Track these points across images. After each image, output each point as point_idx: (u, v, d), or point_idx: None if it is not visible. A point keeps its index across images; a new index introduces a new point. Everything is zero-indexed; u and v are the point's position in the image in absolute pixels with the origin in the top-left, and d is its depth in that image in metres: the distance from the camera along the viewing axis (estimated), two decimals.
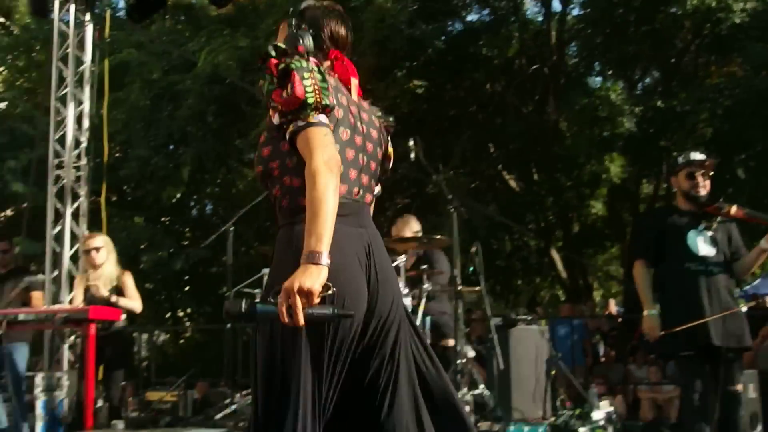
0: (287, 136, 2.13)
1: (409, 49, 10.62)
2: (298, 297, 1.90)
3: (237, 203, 12.48)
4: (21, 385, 6.30)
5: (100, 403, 6.11)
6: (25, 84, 14.02)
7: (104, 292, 5.73)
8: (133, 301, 5.77)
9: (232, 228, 6.19)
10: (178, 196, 11.94)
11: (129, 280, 5.86)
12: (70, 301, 8.07)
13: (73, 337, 8.95)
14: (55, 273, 8.98)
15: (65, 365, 8.78)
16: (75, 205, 9.03)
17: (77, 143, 9.05)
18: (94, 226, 9.19)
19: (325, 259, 1.95)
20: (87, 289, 5.88)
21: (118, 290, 5.81)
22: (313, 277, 1.92)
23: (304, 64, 2.14)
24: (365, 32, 10.39)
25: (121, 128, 11.66)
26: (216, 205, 14.93)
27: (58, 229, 9.03)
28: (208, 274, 14.14)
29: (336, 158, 2.08)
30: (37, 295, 6.33)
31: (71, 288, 8.97)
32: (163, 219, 14.16)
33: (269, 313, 1.92)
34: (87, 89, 9.04)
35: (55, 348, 9.04)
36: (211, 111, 11.51)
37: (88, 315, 5.22)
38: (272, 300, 1.92)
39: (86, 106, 9.10)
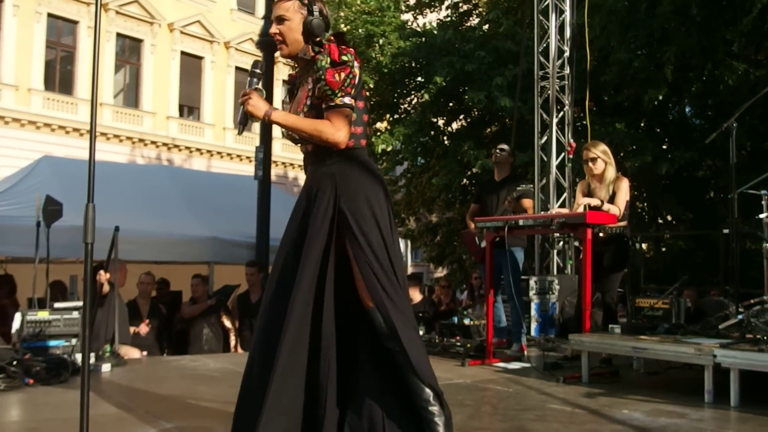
0: (324, 106, 2.76)
1: None
2: (246, 98, 2.80)
3: (726, 100, 11.54)
4: (519, 287, 6.69)
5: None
6: (505, 2, 14.59)
7: (604, 198, 5.76)
8: (614, 207, 5.67)
9: (735, 124, 5.64)
10: (660, 98, 11.40)
11: (623, 186, 5.78)
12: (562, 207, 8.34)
13: (561, 243, 9.29)
14: (543, 182, 9.35)
15: (555, 270, 9.20)
16: (560, 114, 9.23)
17: (560, 53, 9.18)
18: (577, 135, 9.30)
19: (271, 116, 2.78)
20: (588, 196, 5.93)
21: (613, 196, 5.77)
22: (259, 103, 2.79)
23: (356, 66, 2.79)
24: None
25: (599, 33, 11.49)
26: (697, 106, 14.02)
27: (544, 139, 9.35)
28: (694, 178, 13.45)
29: (345, 138, 2.77)
30: (528, 203, 6.61)
31: (558, 196, 9.27)
32: (641, 124, 13.77)
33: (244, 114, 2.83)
34: None
35: (545, 253, 9.50)
36: (694, 3, 10.66)
37: (585, 219, 5.27)
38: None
39: (567, 15, 9.13)
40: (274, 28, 2.90)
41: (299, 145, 2.94)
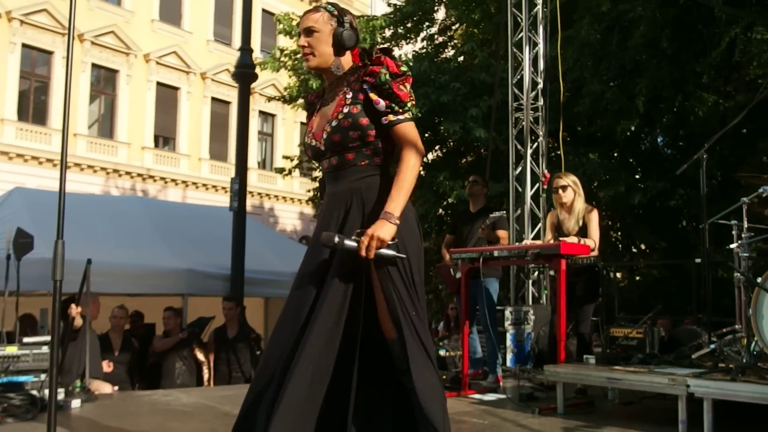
0: (386, 121, 2.73)
1: None
2: (374, 241, 2.56)
3: (696, 131, 11.72)
4: (494, 318, 6.69)
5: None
6: (480, 35, 14.76)
7: (573, 229, 5.82)
8: (590, 240, 5.73)
9: (705, 156, 5.71)
10: (632, 129, 11.57)
11: (593, 217, 5.84)
12: (535, 239, 8.40)
13: (536, 273, 9.33)
14: (518, 212, 9.41)
15: (530, 300, 9.23)
16: (534, 145, 9.32)
17: (534, 85, 9.28)
18: (551, 166, 9.39)
19: (396, 220, 2.61)
20: (558, 227, 6.01)
21: (583, 227, 5.83)
22: (387, 231, 2.58)
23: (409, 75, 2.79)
24: None
25: (572, 66, 11.65)
26: (669, 136, 14.23)
27: (519, 169, 9.42)
28: (666, 207, 13.60)
29: (423, 151, 2.78)
30: (502, 233, 6.64)
31: (533, 226, 9.32)
32: (614, 154, 13.94)
33: (351, 248, 2.58)
34: (540, 31, 9.18)
35: (520, 283, 9.53)
36: (665, 36, 10.86)
37: (559, 250, 5.30)
38: (355, 239, 2.59)
39: (540, 48, 9.26)
40: (302, 40, 2.85)
41: (323, 161, 2.84)
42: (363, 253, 2.56)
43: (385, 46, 2.87)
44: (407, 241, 2.69)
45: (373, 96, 2.73)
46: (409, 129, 2.76)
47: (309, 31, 2.83)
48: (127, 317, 8.23)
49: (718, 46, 10.28)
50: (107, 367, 7.32)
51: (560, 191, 5.91)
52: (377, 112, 2.73)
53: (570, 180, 5.93)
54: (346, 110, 2.75)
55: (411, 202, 2.77)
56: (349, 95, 2.78)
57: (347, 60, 2.87)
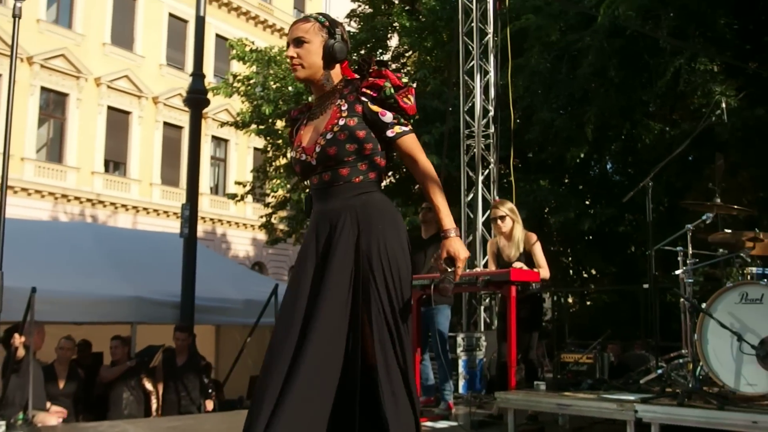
0: (393, 133, 2.71)
1: None
2: (464, 262, 2.63)
3: (644, 158, 11.97)
4: (446, 345, 6.70)
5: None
6: (433, 63, 14.91)
7: (513, 256, 5.89)
8: (542, 269, 5.82)
9: (651, 183, 5.84)
10: (582, 156, 11.78)
11: (539, 247, 5.92)
12: (485, 266, 8.45)
13: (488, 300, 9.38)
14: (470, 238, 9.47)
15: (482, 326, 9.26)
16: (485, 172, 9.41)
17: (485, 112, 9.40)
18: (502, 192, 9.48)
19: (457, 231, 2.67)
20: (498, 254, 6.08)
21: (527, 255, 5.91)
22: (463, 247, 2.65)
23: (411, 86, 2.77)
24: None
25: (522, 94, 11.82)
26: (618, 163, 14.53)
27: (471, 196, 9.50)
28: (615, 233, 13.82)
29: None
30: None
31: (485, 252, 9.38)
32: (565, 180, 14.15)
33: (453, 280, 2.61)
34: (491, 59, 9.32)
35: (472, 310, 9.57)
36: (612, 65, 11.11)
37: (509, 277, 5.35)
38: (452, 269, 2.59)
39: (491, 76, 9.38)
40: (291, 51, 2.76)
41: (313, 177, 2.74)
42: (458, 278, 2.61)
43: (380, 58, 2.85)
44: (399, 259, 2.63)
45: (376, 108, 2.70)
46: (414, 140, 2.75)
47: (298, 42, 2.76)
48: (73, 349, 8.05)
49: (664, 76, 10.53)
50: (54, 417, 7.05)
51: (499, 221, 6.00)
52: (381, 124, 2.70)
53: (507, 209, 6.02)
54: (342, 122, 2.67)
55: (402, 226, 2.73)
56: (345, 107, 2.71)
57: (336, 72, 2.80)
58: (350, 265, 2.59)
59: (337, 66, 2.80)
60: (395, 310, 2.55)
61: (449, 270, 2.60)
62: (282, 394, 2.43)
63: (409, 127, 2.75)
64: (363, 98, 2.71)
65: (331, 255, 2.60)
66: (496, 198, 9.20)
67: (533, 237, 6.00)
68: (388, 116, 2.70)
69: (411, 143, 2.74)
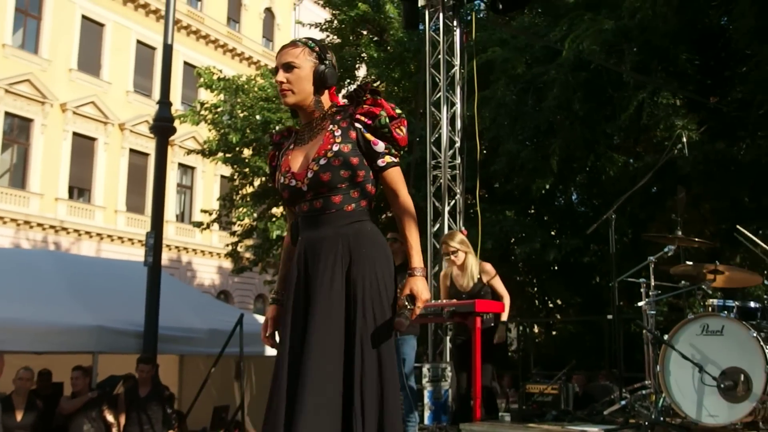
0: (383, 163, 2.70)
1: None
2: (422, 303, 2.62)
3: (608, 190, 12.14)
4: (411, 376, 6.69)
5: None
6: (400, 93, 15.03)
7: (467, 285, 5.94)
8: (506, 299, 5.86)
9: (614, 216, 5.93)
10: (547, 187, 11.90)
11: (498, 279, 5.97)
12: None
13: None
14: (435, 269, 9.47)
15: (448, 357, 9.24)
16: (452, 203, 9.45)
17: (451, 143, 9.46)
18: (469, 223, 9.53)
19: (422, 272, 2.66)
20: (451, 285, 6.13)
21: (482, 285, 5.95)
22: (426, 288, 2.63)
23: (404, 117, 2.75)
24: None
25: (489, 125, 11.94)
26: (583, 194, 14.71)
27: (437, 226, 9.53)
28: (580, 264, 13.95)
29: None
30: None
31: None
32: (531, 211, 14.28)
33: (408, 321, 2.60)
34: (458, 91, 9.41)
35: (438, 340, 9.55)
36: (577, 98, 11.28)
37: (474, 308, 5.37)
38: (410, 308, 2.59)
39: (458, 108, 9.47)
40: (281, 76, 2.73)
41: (302, 203, 2.71)
42: (413, 317, 2.60)
43: (374, 86, 2.83)
44: (389, 290, 2.66)
45: (369, 137, 2.69)
46: (400, 173, 2.76)
47: (288, 67, 2.73)
48: (32, 378, 7.89)
49: (627, 110, 10.70)
50: None
51: (452, 257, 6.06)
52: (373, 153, 2.69)
53: (457, 243, 6.08)
54: (335, 148, 2.65)
55: (391, 257, 2.73)
56: (338, 133, 2.69)
57: (325, 98, 2.78)
58: (342, 294, 2.58)
59: (326, 91, 2.79)
60: (382, 340, 2.56)
61: (408, 307, 2.60)
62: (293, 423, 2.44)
63: (398, 159, 2.75)
64: (357, 125, 2.71)
65: (322, 283, 2.59)
66: (463, 229, 9.23)
67: (491, 269, 6.04)
68: (380, 145, 2.70)
69: (396, 176, 2.74)
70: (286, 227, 3.00)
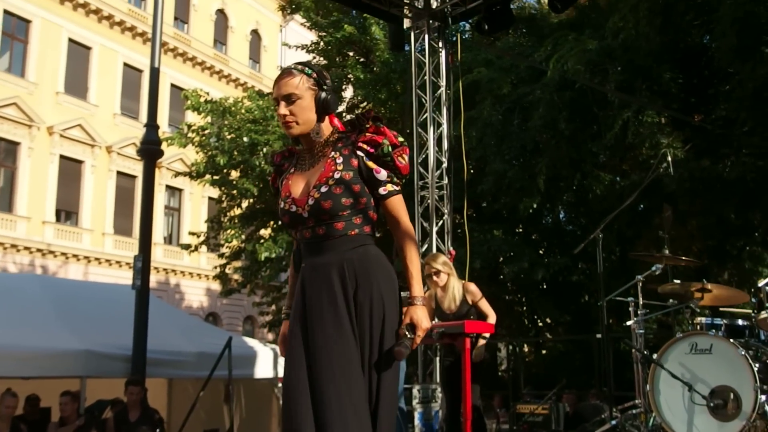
0: (385, 191, 2.69)
1: None
2: (423, 332, 2.61)
3: (595, 208, 12.21)
4: (401, 397, 6.67)
5: None
6: (387, 114, 15.09)
7: (449, 306, 5.94)
8: (491, 318, 5.85)
9: (601, 235, 5.95)
10: (534, 206, 11.96)
11: (484, 300, 5.96)
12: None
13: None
14: (425, 289, 9.46)
15: (437, 378, 9.22)
16: (439, 223, 9.47)
17: (438, 164, 9.50)
18: (457, 243, 9.54)
19: (423, 300, 2.65)
20: (435, 306, 6.12)
21: (467, 305, 5.95)
22: (426, 317, 2.62)
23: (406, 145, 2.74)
24: (724, 12, 9.56)
25: (475, 145, 12.00)
26: (570, 212, 14.79)
27: (425, 247, 9.53)
28: (569, 282, 13.98)
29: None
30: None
31: None
32: (518, 230, 14.33)
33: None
34: (444, 112, 9.45)
35: (428, 361, 9.53)
36: (562, 117, 11.37)
37: (464, 329, 5.36)
38: (410, 337, 2.59)
39: (444, 128, 9.51)
40: (283, 109, 2.69)
41: (304, 230, 2.69)
42: (415, 346, 2.59)
43: (375, 114, 2.79)
44: (394, 313, 2.64)
45: (371, 164, 2.67)
46: (402, 201, 2.74)
47: (289, 99, 2.69)
48: (16, 405, 7.80)
49: (612, 128, 10.81)
50: None
51: (434, 277, 6.05)
52: (375, 181, 2.68)
53: (440, 264, 6.07)
54: (337, 175, 2.63)
55: (396, 283, 2.71)
56: (340, 160, 2.67)
57: (326, 124, 2.76)
58: (349, 318, 2.57)
59: (326, 117, 2.76)
60: (386, 366, 2.56)
61: (408, 336, 2.59)
62: None
63: (400, 187, 2.74)
64: (359, 152, 2.69)
65: (330, 308, 2.58)
66: (451, 249, 9.25)
67: (476, 290, 6.03)
68: (382, 174, 2.68)
69: (398, 204, 2.73)
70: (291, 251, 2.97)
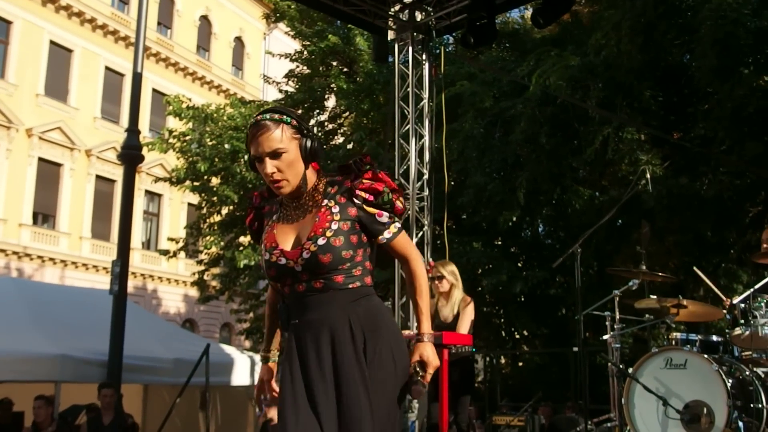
0: (390, 233, 2.63)
1: (754, 42, 9.65)
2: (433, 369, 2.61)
3: (574, 223, 12.30)
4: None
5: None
6: (369, 125, 15.13)
7: (447, 316, 5.95)
8: (459, 329, 5.86)
9: (579, 249, 6.00)
10: (514, 219, 12.03)
11: (468, 311, 5.97)
12: None
13: None
14: (403, 299, 9.49)
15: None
16: (419, 234, 9.50)
17: (420, 175, 9.54)
18: (437, 254, 9.58)
19: (431, 337, 2.65)
20: (436, 315, 6.11)
21: (458, 316, 5.97)
22: (435, 354, 2.61)
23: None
24: (705, 32, 9.70)
25: (457, 158, 12.05)
26: (549, 226, 14.89)
27: None
28: (547, 296, 14.06)
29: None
30: None
31: None
32: (497, 242, 14.39)
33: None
34: (426, 123, 9.50)
35: None
36: (543, 132, 11.47)
37: (441, 340, 5.37)
38: (421, 374, 2.59)
39: (426, 140, 9.56)
40: (270, 167, 2.49)
41: (296, 284, 2.56)
42: (426, 382, 2.60)
43: (370, 161, 2.67)
44: (405, 366, 2.61)
45: (372, 210, 2.59)
46: (406, 237, 2.70)
47: (275, 155, 2.49)
48: None
49: (593, 144, 10.91)
50: None
51: (436, 281, 6.05)
52: (378, 226, 2.60)
53: (447, 270, 6.08)
54: (335, 226, 2.52)
55: (401, 334, 2.71)
56: (336, 209, 2.56)
57: (310, 170, 2.61)
58: (361, 373, 2.47)
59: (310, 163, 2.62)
60: (394, 414, 2.55)
61: (420, 374, 2.60)
62: None
63: (401, 223, 2.70)
64: (357, 201, 2.58)
65: (341, 364, 2.48)
66: (430, 260, 9.28)
67: (470, 311, 6.05)
68: (384, 217, 2.61)
69: (405, 242, 2.69)
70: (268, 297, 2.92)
